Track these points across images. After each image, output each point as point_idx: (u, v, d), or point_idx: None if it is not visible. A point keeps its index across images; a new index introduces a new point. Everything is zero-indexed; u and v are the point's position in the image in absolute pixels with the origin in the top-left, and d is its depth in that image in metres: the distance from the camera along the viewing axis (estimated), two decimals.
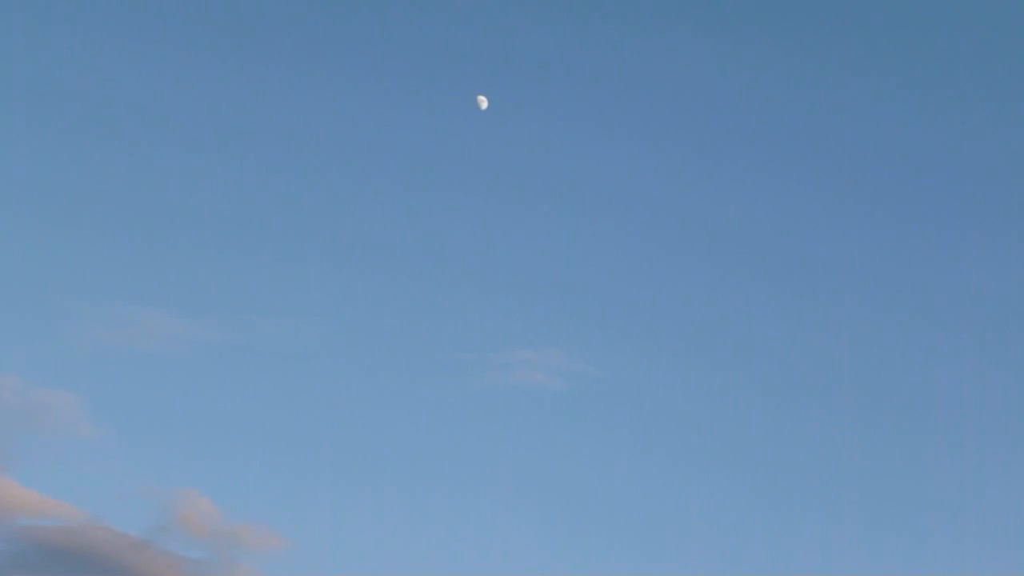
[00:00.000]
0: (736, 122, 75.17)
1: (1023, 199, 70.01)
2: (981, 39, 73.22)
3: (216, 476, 56.46)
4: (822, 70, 74.93)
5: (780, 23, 75.60)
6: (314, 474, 57.48)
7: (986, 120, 72.50)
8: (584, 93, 75.16)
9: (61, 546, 51.16)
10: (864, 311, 67.38)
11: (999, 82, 72.26)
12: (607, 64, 75.34)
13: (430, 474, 58.57)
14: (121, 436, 57.80)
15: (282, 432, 59.38)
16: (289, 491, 56.55)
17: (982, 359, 63.91)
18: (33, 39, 72.73)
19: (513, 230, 71.90)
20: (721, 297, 69.04)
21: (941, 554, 54.08)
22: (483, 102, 63.20)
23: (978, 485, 57.58)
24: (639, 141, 74.91)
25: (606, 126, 74.96)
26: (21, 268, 64.76)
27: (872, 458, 59.90)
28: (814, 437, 61.64)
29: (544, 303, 67.86)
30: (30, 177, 68.70)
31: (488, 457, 59.82)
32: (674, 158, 74.62)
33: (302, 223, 70.20)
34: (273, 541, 53.34)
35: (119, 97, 73.04)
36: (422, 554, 53.66)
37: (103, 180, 70.36)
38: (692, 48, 76.08)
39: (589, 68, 75.42)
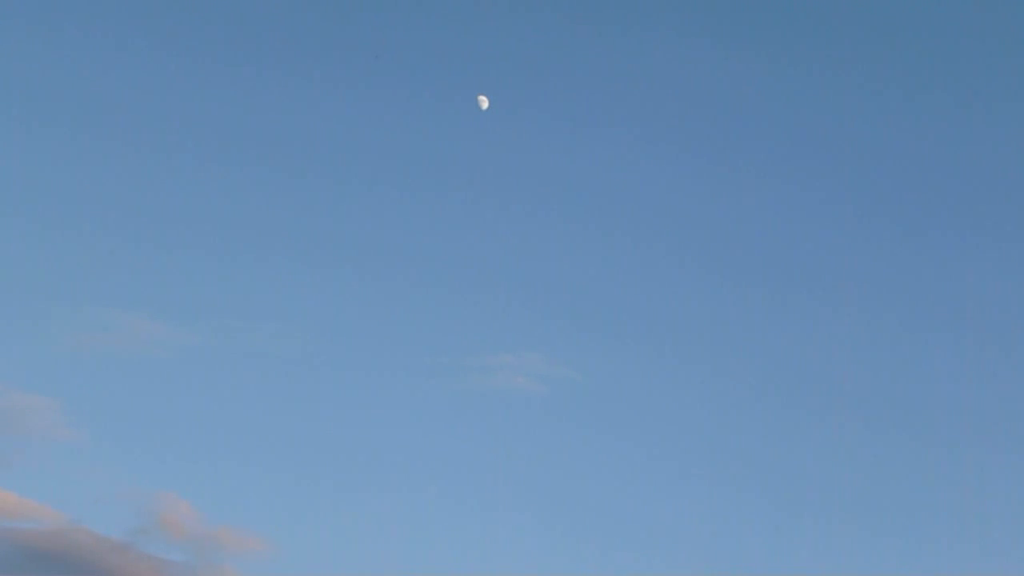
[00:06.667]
0: (727, 125, 75.61)
1: (1021, 203, 70.64)
2: (981, 42, 73.85)
3: (196, 479, 56.48)
4: (820, 74, 75.50)
5: (780, 26, 76.11)
6: (294, 477, 57.64)
7: (986, 124, 73.03)
8: (578, 94, 75.63)
9: (41, 549, 51.10)
10: (847, 311, 67.63)
11: (999, 86, 72.83)
12: (604, 65, 75.84)
13: (410, 477, 58.72)
14: (101, 439, 57.88)
15: (262, 435, 59.52)
16: (269, 494, 56.68)
17: (979, 361, 64.13)
18: (17, 40, 72.93)
19: (494, 233, 72.13)
20: (702, 300, 69.34)
21: (939, 555, 54.37)
22: (483, 102, 63.39)
23: (975, 486, 57.73)
24: (630, 144, 75.30)
25: (599, 129, 75.39)
26: (0, 271, 64.78)
27: (857, 458, 60.21)
28: (799, 437, 61.97)
29: (524, 307, 68.12)
30: (10, 180, 68.76)
31: (468, 460, 59.99)
32: (663, 162, 75.06)
33: (283, 227, 70.35)
34: (253, 544, 53.39)
35: (103, 100, 73.22)
36: (402, 556, 53.77)
37: (84, 183, 70.47)
38: (690, 50, 76.62)
39: (587, 69, 75.92)
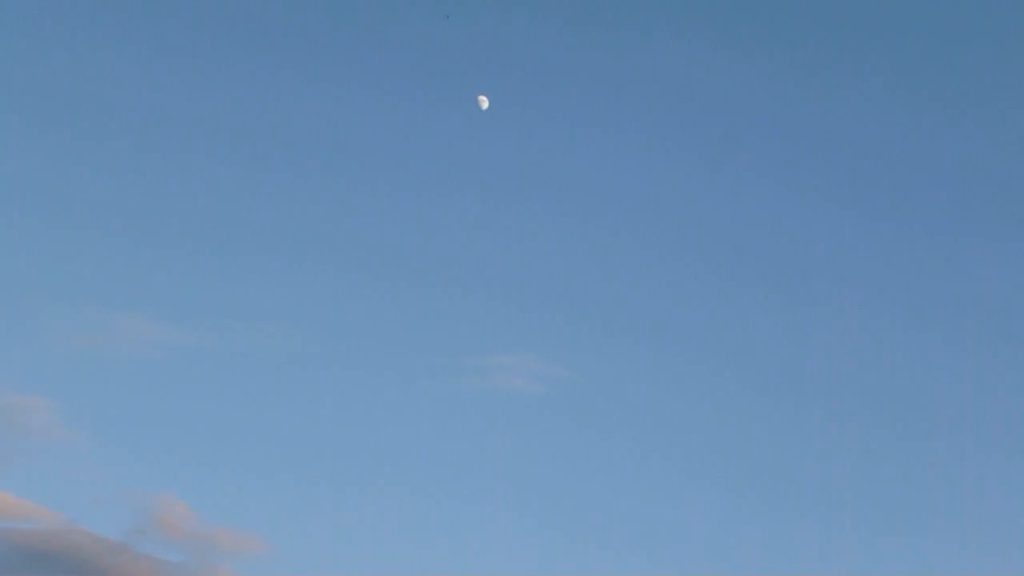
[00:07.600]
0: (726, 125, 75.74)
1: (1020, 204, 70.56)
2: (981, 42, 73.86)
3: (192, 480, 56.60)
4: (819, 74, 75.60)
5: (780, 28, 76.14)
6: (291, 477, 57.67)
7: (985, 124, 73.08)
8: (578, 95, 75.73)
9: (38, 549, 51.14)
10: (847, 311, 67.79)
11: (997, 87, 72.87)
12: (604, 65, 75.88)
13: (407, 477, 58.78)
14: (97, 440, 57.89)
15: (259, 435, 59.56)
16: (266, 494, 56.72)
17: (978, 361, 64.20)
18: (18, 40, 72.98)
19: (492, 233, 72.18)
20: (700, 300, 69.39)
21: (939, 555, 54.39)
22: (483, 102, 63.37)
23: (975, 486, 57.86)
24: (629, 144, 75.44)
25: (599, 129, 75.56)
26: None
27: (856, 458, 60.21)
28: (797, 437, 62.02)
29: (521, 308, 68.13)
30: (10, 180, 68.83)
31: (466, 460, 59.99)
32: (661, 162, 75.11)
33: (282, 227, 70.41)
34: (250, 544, 53.41)
35: (103, 100, 73.24)
36: (400, 556, 53.82)
37: (84, 183, 70.50)
38: (690, 51, 76.67)
39: (587, 69, 75.98)
